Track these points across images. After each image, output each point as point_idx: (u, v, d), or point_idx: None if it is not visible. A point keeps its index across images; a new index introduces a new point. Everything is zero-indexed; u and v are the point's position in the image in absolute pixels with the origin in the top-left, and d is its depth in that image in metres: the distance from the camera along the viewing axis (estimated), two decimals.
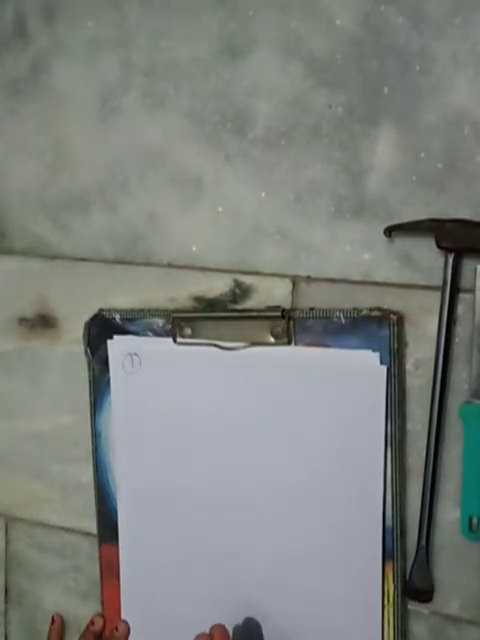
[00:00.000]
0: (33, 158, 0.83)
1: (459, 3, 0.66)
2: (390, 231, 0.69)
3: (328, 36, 0.70)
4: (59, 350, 0.85)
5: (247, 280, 0.76)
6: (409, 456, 0.72)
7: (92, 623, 0.85)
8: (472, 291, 0.67)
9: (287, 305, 0.74)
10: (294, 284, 0.74)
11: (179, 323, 0.77)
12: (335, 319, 0.71)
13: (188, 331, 0.77)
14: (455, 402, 0.69)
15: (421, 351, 0.70)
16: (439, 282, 0.68)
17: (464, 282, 0.68)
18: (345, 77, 0.70)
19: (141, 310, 0.79)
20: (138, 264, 0.80)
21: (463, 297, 0.68)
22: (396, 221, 0.69)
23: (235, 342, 0.75)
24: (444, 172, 0.68)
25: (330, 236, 0.72)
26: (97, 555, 0.86)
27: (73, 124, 0.81)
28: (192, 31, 0.75)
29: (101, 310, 0.81)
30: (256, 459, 0.75)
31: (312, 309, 0.72)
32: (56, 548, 0.89)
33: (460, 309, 0.68)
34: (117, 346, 0.80)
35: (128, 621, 0.84)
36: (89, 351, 0.82)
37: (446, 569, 0.72)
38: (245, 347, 0.75)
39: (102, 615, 0.85)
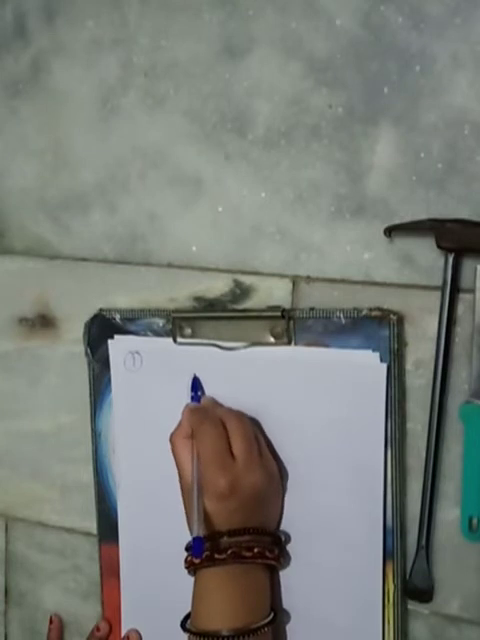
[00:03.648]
0: (33, 158, 0.83)
1: (459, 3, 0.66)
2: (390, 231, 0.69)
3: (328, 36, 0.70)
4: (59, 350, 0.85)
5: (247, 280, 0.76)
6: (409, 456, 0.72)
7: (98, 629, 0.85)
8: (472, 291, 0.67)
9: (287, 305, 0.74)
10: (294, 284, 0.74)
11: (179, 323, 0.77)
12: (335, 319, 0.71)
13: (188, 331, 0.77)
14: (455, 402, 0.69)
15: (421, 351, 0.70)
16: (439, 282, 0.68)
17: (464, 282, 0.68)
18: (345, 77, 0.70)
19: (141, 310, 0.79)
20: (138, 264, 0.80)
21: (463, 297, 0.68)
22: (396, 221, 0.69)
23: (235, 342, 0.75)
24: (444, 172, 0.68)
25: (330, 236, 0.72)
26: (97, 555, 0.86)
27: (73, 124, 0.81)
28: (192, 31, 0.75)
29: (101, 310, 0.81)
30: None
31: (312, 309, 0.72)
32: (56, 548, 0.89)
33: (460, 309, 0.68)
34: (118, 345, 0.80)
35: (128, 621, 0.84)
36: (89, 351, 0.82)
37: (446, 569, 0.72)
38: (245, 347, 0.75)
39: (107, 620, 0.85)
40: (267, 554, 0.70)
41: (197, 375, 0.77)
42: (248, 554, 0.69)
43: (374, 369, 0.70)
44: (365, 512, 0.72)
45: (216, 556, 0.69)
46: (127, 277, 0.81)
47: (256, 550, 0.70)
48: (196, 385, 0.76)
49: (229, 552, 0.69)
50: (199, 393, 0.76)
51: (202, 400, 0.76)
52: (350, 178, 0.71)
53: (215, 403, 0.76)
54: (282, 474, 0.74)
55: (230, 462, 0.69)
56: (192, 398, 0.76)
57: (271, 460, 0.73)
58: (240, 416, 0.73)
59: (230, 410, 0.74)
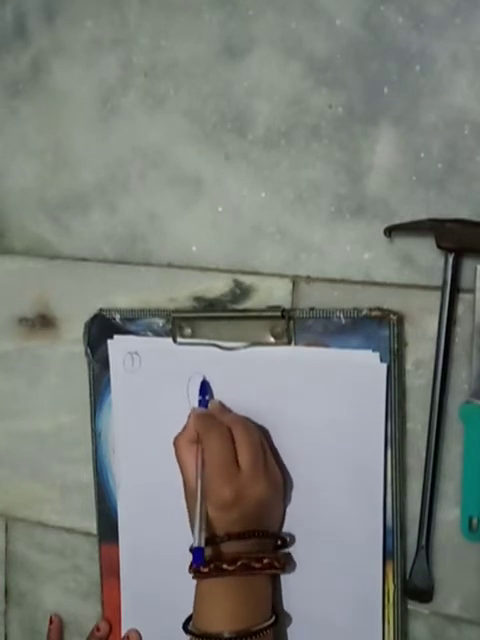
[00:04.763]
0: (33, 158, 0.83)
1: (459, 3, 0.66)
2: (390, 231, 0.69)
3: (328, 36, 0.70)
4: (59, 350, 0.85)
5: (247, 280, 0.76)
6: (409, 456, 0.72)
7: (98, 629, 0.85)
8: (472, 291, 0.67)
9: (287, 305, 0.74)
10: (294, 284, 0.74)
11: (179, 323, 0.77)
12: (335, 319, 0.71)
13: (188, 331, 0.77)
14: (455, 402, 0.69)
15: (421, 351, 0.70)
16: (439, 282, 0.68)
17: (464, 282, 0.68)
18: (345, 77, 0.70)
19: (141, 310, 0.79)
20: (138, 264, 0.80)
21: (463, 297, 0.68)
22: (396, 221, 0.69)
23: (235, 342, 0.75)
24: (444, 172, 0.68)
25: (330, 236, 0.72)
26: (97, 555, 0.86)
27: (73, 124, 0.81)
28: (192, 31, 0.75)
29: (101, 310, 0.81)
30: None
31: (312, 309, 0.72)
32: (56, 548, 0.89)
33: (460, 309, 0.68)
34: (118, 345, 0.80)
35: (128, 621, 0.84)
36: (89, 351, 0.82)
37: (446, 569, 0.72)
38: (245, 347, 0.75)
39: (107, 620, 0.85)
40: (275, 564, 0.70)
41: (206, 378, 0.76)
42: (257, 565, 0.69)
43: (374, 369, 0.70)
44: (365, 512, 0.72)
45: (225, 567, 0.69)
46: (127, 277, 0.81)
47: (265, 561, 0.69)
48: (204, 389, 0.75)
49: (239, 563, 0.68)
50: (206, 397, 0.75)
51: (210, 404, 0.75)
52: (350, 178, 0.71)
53: (222, 409, 0.75)
54: (286, 483, 0.74)
55: (235, 472, 0.69)
56: (200, 402, 0.75)
57: (276, 470, 0.72)
58: (247, 424, 0.72)
59: (237, 417, 0.73)
